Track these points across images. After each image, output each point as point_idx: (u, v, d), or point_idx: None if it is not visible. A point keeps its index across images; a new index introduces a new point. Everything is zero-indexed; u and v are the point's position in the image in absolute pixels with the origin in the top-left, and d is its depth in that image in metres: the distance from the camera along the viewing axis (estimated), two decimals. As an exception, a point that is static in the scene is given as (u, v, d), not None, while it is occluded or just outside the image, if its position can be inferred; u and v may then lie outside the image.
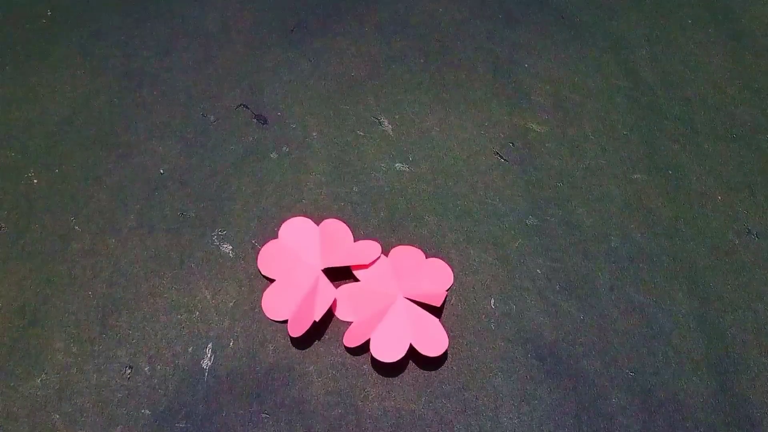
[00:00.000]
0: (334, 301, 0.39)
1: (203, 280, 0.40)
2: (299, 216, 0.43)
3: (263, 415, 0.36)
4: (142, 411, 0.35)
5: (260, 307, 0.39)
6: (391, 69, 0.52)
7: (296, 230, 0.42)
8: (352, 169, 0.46)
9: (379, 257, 0.41)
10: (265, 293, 0.39)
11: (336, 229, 0.42)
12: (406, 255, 0.41)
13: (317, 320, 0.37)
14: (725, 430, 0.36)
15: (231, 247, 0.42)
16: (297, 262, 0.40)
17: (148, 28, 0.54)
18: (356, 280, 0.40)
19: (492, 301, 0.40)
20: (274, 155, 0.46)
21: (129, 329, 0.38)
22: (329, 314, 0.39)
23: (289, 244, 0.41)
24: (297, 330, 0.37)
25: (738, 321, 0.40)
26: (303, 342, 0.38)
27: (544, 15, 0.56)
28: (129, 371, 0.37)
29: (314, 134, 0.48)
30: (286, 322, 0.38)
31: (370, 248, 0.41)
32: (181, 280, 0.40)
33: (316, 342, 0.38)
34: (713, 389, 0.38)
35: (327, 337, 0.38)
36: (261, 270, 0.40)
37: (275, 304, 0.39)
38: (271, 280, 0.40)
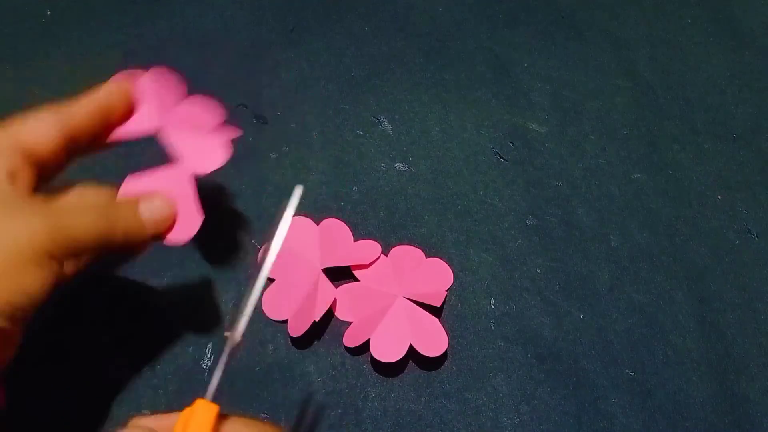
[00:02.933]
0: (334, 301, 0.39)
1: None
2: (299, 216, 0.43)
3: (263, 415, 0.36)
4: (143, 411, 0.35)
5: (260, 307, 0.39)
6: (391, 69, 0.52)
7: (296, 230, 0.42)
8: (352, 169, 0.46)
9: (378, 257, 0.41)
10: (266, 293, 0.39)
11: (336, 228, 0.42)
12: (406, 255, 0.41)
13: (317, 320, 0.37)
14: (725, 430, 0.36)
15: (231, 247, 0.42)
16: (297, 262, 0.40)
17: (148, 28, 0.54)
18: (356, 279, 0.40)
19: (492, 300, 0.40)
20: (274, 155, 0.46)
21: (129, 329, 0.38)
22: (329, 314, 0.39)
23: (289, 244, 0.41)
24: (297, 330, 0.37)
25: (738, 321, 0.40)
26: (303, 342, 0.38)
27: (544, 15, 0.56)
28: (128, 372, 0.37)
29: (314, 134, 0.48)
30: (286, 321, 0.38)
31: (370, 248, 0.41)
32: (181, 280, 0.40)
33: (316, 342, 0.38)
34: (713, 389, 0.38)
35: (327, 337, 0.38)
36: (261, 270, 0.40)
37: (276, 304, 0.39)
38: (271, 280, 0.40)
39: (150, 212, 0.31)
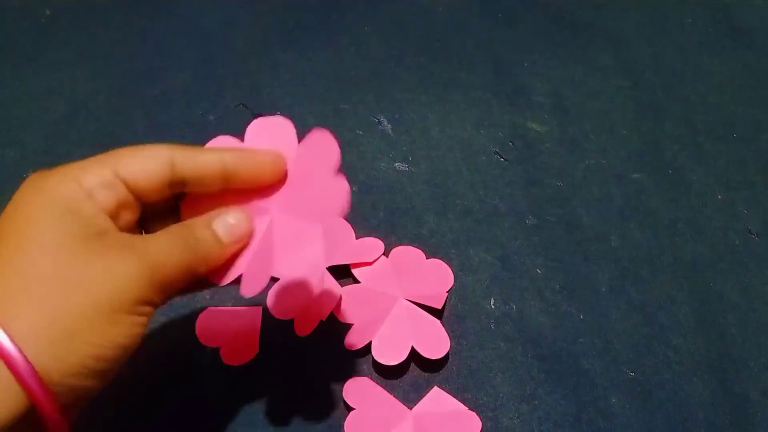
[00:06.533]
0: (338, 301, 0.38)
1: (203, 280, 0.40)
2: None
3: (263, 416, 0.36)
4: (142, 412, 0.35)
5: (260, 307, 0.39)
6: (391, 69, 0.52)
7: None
8: (351, 169, 0.46)
9: (381, 255, 0.40)
10: (270, 293, 0.39)
11: (338, 227, 0.42)
12: (407, 256, 0.41)
13: (324, 319, 0.37)
14: (725, 430, 0.36)
15: (231, 247, 0.42)
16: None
17: (148, 28, 0.54)
18: (356, 280, 0.40)
19: (492, 301, 0.40)
20: (274, 155, 0.46)
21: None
22: (330, 315, 0.39)
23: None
24: (304, 329, 0.37)
25: (738, 321, 0.40)
26: (303, 343, 0.38)
27: (544, 15, 0.56)
28: (129, 372, 0.37)
29: (314, 134, 0.47)
30: (291, 321, 0.38)
31: (373, 245, 0.41)
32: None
33: (316, 343, 0.38)
34: (713, 389, 0.38)
35: (327, 338, 0.38)
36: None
37: (282, 304, 0.39)
38: (275, 279, 0.40)
39: (226, 230, 0.28)
